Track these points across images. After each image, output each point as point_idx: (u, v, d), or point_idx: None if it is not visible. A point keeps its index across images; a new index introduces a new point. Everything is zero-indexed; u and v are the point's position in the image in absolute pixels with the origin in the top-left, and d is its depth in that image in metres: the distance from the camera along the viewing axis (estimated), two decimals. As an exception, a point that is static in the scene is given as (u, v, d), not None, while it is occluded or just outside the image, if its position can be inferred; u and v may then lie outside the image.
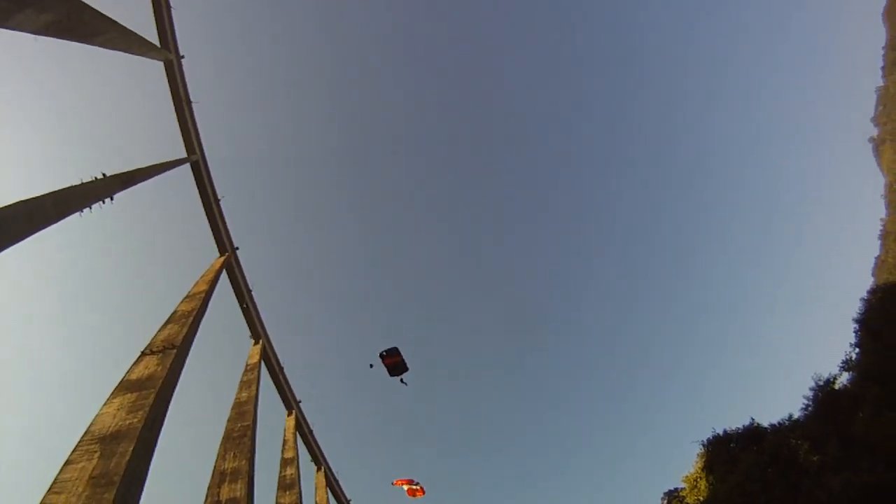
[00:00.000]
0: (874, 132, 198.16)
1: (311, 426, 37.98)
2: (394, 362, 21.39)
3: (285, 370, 35.90)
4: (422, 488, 23.19)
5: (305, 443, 36.53)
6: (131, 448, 11.72)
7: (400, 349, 21.34)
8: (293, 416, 34.88)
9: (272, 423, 34.54)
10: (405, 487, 22.85)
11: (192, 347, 19.15)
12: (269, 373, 34.21)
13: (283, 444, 31.04)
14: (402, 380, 21.62)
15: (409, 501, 22.75)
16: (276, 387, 35.12)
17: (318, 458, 37.13)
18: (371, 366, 21.25)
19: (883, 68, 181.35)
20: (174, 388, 15.94)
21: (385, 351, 21.22)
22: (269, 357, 33.56)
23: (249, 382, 26.90)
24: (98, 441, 11.78)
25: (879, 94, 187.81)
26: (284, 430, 33.40)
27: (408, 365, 21.48)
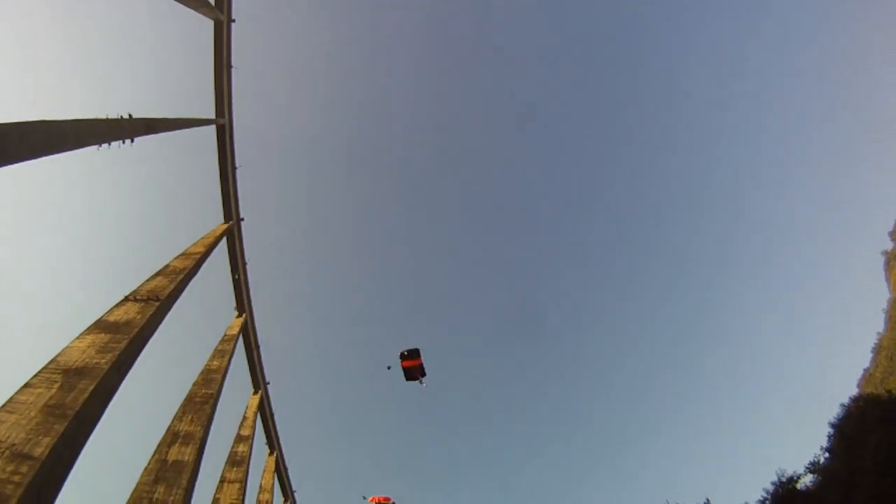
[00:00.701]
0: (889, 246, 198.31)
1: (273, 410, 37.76)
2: (412, 365, 20.79)
3: (261, 349, 35.82)
4: None
5: (264, 425, 36.25)
6: (92, 387, 11.65)
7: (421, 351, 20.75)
8: (258, 396, 34.68)
9: (234, 401, 34.36)
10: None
11: (175, 307, 19.16)
12: (245, 349, 34.04)
13: (242, 421, 30.80)
14: (420, 380, 20.99)
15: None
16: (249, 364, 34.93)
17: (273, 442, 36.82)
18: (389, 367, 20.86)
19: None
20: (148, 339, 15.89)
21: (406, 351, 20.73)
22: (248, 333, 33.43)
23: (223, 353, 26.77)
24: (62, 372, 11.73)
25: None
26: (246, 407, 33.17)
27: (426, 370, 20.80)
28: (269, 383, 37.12)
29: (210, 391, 22.45)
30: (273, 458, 36.29)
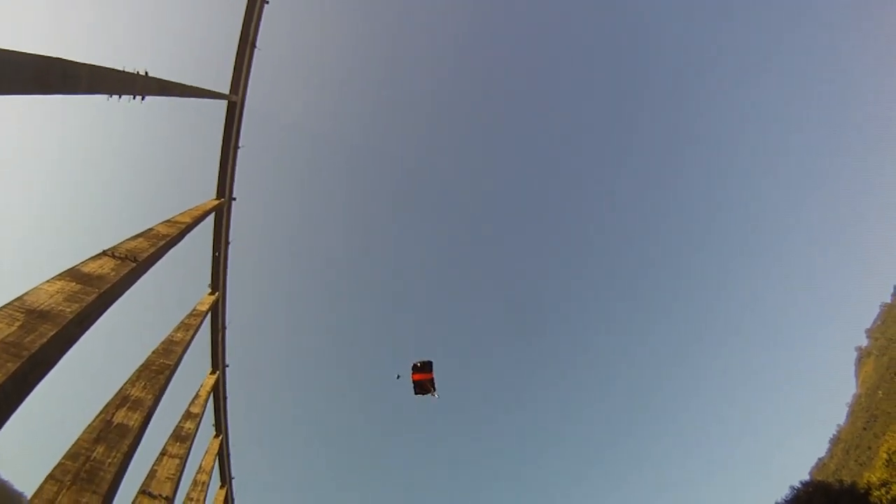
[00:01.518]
0: (864, 343, 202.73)
1: (227, 393, 37.31)
2: (422, 379, 20.13)
3: (227, 331, 35.49)
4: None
5: (215, 407, 35.75)
6: (52, 332, 11.57)
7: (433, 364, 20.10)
8: (215, 377, 34.26)
9: (188, 378, 33.88)
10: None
11: (150, 273, 19.04)
12: (211, 328, 33.69)
13: (194, 399, 30.37)
14: (432, 393, 20.25)
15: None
16: (212, 344, 34.55)
17: (221, 425, 36.26)
18: (398, 377, 20.29)
19: None
20: (117, 298, 15.77)
21: (419, 363, 20.08)
22: (217, 312, 33.14)
23: (189, 326, 26.49)
24: (25, 312, 11.63)
25: (883, 310, 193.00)
26: (201, 385, 32.74)
27: (436, 385, 19.97)
28: (227, 366, 36.76)
29: (168, 362, 22.18)
30: (218, 441, 35.76)
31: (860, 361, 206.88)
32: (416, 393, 20.27)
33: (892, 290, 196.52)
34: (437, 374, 20.03)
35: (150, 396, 19.36)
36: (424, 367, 20.07)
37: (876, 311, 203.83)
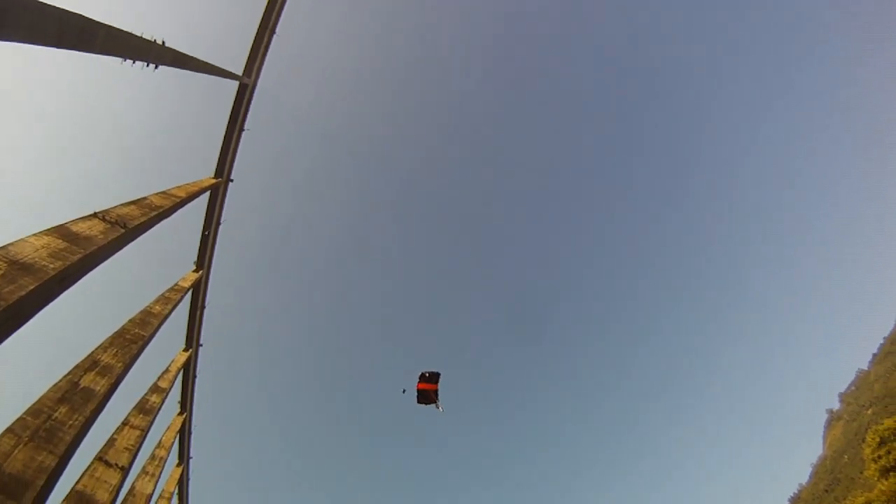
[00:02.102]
0: (836, 406, 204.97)
1: (197, 372, 37.06)
2: (427, 389, 19.98)
3: (205, 311, 35.35)
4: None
5: (183, 384, 35.50)
6: (32, 287, 11.59)
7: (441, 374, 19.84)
8: (187, 354, 34.06)
9: (162, 354, 33.69)
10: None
11: (137, 242, 19.05)
12: (191, 305, 33.57)
13: (163, 373, 30.17)
14: (437, 405, 20.01)
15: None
16: (188, 321, 34.37)
17: (186, 404, 36.00)
18: (404, 391, 19.94)
19: (874, 356, 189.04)
20: (101, 262, 15.77)
21: (427, 373, 20.00)
22: (198, 290, 33.03)
23: (169, 300, 26.41)
24: (7, 262, 11.64)
25: (858, 376, 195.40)
26: (172, 361, 32.53)
27: (439, 395, 19.76)
28: (201, 345, 36.56)
29: (143, 333, 22.11)
30: (181, 418, 35.51)
31: (830, 424, 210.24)
32: (418, 402, 20.14)
33: (869, 358, 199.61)
34: (442, 382, 19.99)
35: (120, 364, 19.29)
36: (431, 378, 19.94)
37: (852, 376, 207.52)
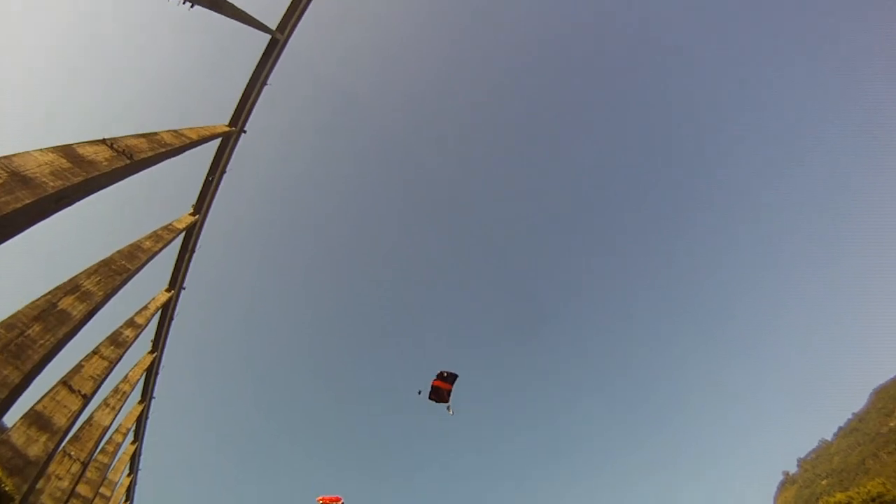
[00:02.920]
0: (793, 470, 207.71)
1: (176, 314, 36.96)
2: (440, 387, 20.31)
3: (195, 255, 35.19)
4: None
5: (159, 324, 35.45)
6: (28, 201, 11.47)
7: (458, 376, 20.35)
8: (169, 295, 33.94)
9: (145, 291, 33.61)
10: None
11: (141, 176, 18.88)
12: (181, 246, 33.42)
13: (141, 310, 30.06)
14: (448, 407, 20.45)
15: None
16: (176, 262, 34.19)
17: (158, 343, 35.94)
18: (419, 392, 20.30)
19: (840, 429, 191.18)
20: (102, 188, 15.62)
21: (446, 372, 20.29)
22: (191, 234, 32.85)
23: (160, 238, 26.28)
24: (9, 173, 11.50)
25: (821, 446, 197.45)
26: (152, 299, 32.42)
27: (451, 397, 20.24)
28: (184, 288, 36.42)
29: (129, 266, 21.98)
30: (151, 357, 35.42)
31: (783, 486, 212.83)
32: (430, 398, 20.30)
33: (835, 430, 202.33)
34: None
35: (101, 293, 19.17)
36: (448, 378, 20.19)
37: (815, 444, 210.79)
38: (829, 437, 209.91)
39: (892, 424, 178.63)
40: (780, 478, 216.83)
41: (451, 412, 20.33)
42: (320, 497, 21.29)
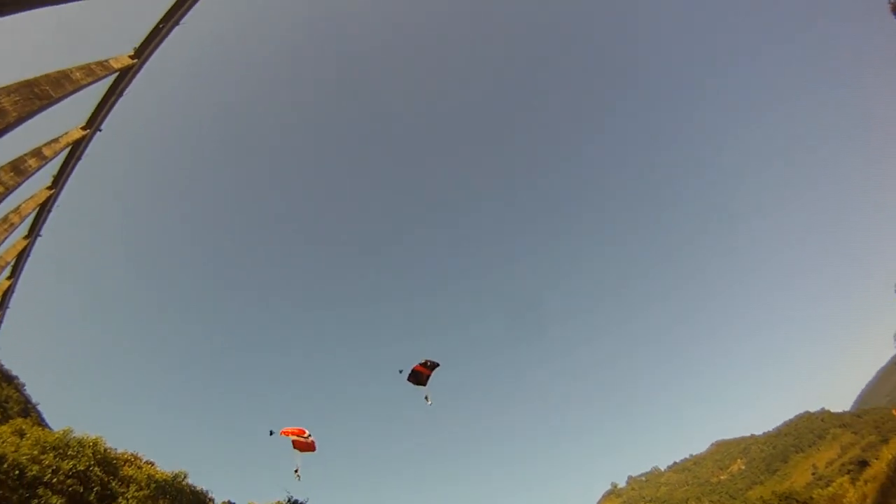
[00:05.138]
0: (621, 484, 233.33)
1: (85, 154, 33.99)
2: (420, 371, 21.25)
3: (124, 97, 32.24)
4: (313, 442, 21.19)
5: (66, 162, 32.51)
6: None
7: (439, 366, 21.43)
8: (83, 133, 31.02)
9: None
10: (292, 439, 20.63)
11: None
12: (111, 86, 30.43)
13: (51, 142, 27.50)
14: (426, 398, 21.39)
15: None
16: (101, 100, 31.17)
17: (60, 181, 33.08)
18: (400, 371, 21.31)
19: (675, 464, 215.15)
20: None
21: (430, 362, 21.23)
22: (126, 75, 29.93)
23: (92, 72, 23.96)
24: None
25: (653, 472, 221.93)
26: (64, 133, 29.63)
27: (428, 382, 21.25)
28: (101, 130, 33.48)
29: (53, 93, 19.96)
30: (47, 193, 32.72)
31: (608, 494, 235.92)
32: (408, 379, 21.29)
33: (671, 463, 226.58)
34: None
35: (15, 114, 17.40)
36: (431, 367, 21.18)
37: (648, 468, 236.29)
38: (662, 467, 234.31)
39: (723, 478, 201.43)
40: (608, 487, 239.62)
41: (429, 402, 21.66)
42: (283, 430, 20.99)
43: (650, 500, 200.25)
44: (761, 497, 67.30)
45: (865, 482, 30.70)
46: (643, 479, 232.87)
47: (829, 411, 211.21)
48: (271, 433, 20.29)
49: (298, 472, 21.21)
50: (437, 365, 21.54)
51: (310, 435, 21.41)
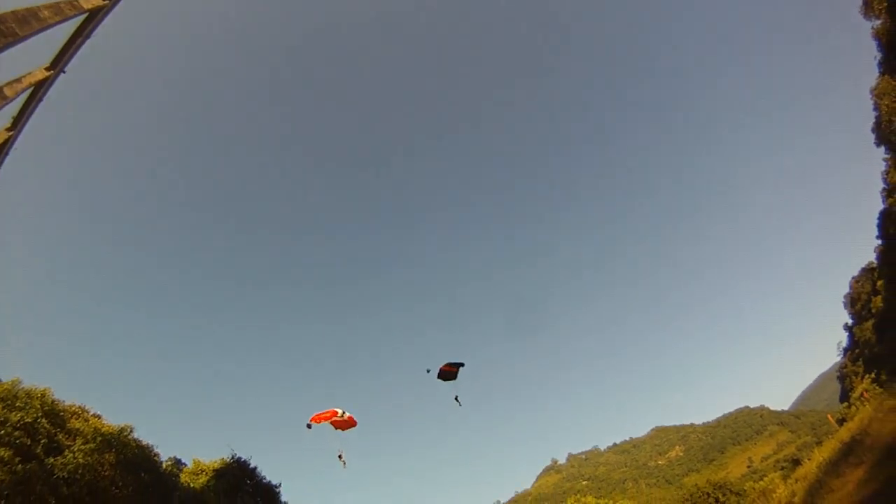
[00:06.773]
0: (562, 461, 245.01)
1: (45, 97, 32.54)
2: (448, 370, 22.58)
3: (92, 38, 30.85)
4: (351, 417, 20.62)
5: (27, 103, 31.01)
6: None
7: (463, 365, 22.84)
8: (46, 74, 29.53)
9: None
10: (330, 422, 19.85)
11: None
12: (77, 28, 29.01)
13: (12, 81, 26.29)
14: (456, 398, 23.11)
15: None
16: (67, 41, 29.78)
17: (18, 122, 31.55)
18: (428, 371, 22.33)
19: (615, 444, 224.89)
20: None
21: (454, 363, 22.54)
22: (96, 16, 28.50)
23: (61, 11, 23.16)
24: None
25: (592, 451, 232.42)
26: (27, 73, 28.25)
27: (456, 377, 22.61)
28: (64, 72, 32.08)
29: (19, 31, 19.28)
30: (6, 134, 31.39)
31: (548, 469, 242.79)
32: (438, 377, 22.80)
33: (610, 444, 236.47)
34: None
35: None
36: (456, 364, 22.70)
37: (588, 447, 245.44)
38: (602, 447, 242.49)
39: (660, 462, 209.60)
40: (549, 462, 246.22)
41: (459, 404, 23.42)
42: (314, 417, 20.06)
43: (588, 478, 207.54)
44: (696, 484, 70.22)
45: (796, 480, 32.32)
46: (583, 457, 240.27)
47: (768, 408, 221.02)
48: (309, 426, 19.75)
49: (343, 457, 20.57)
50: (462, 364, 22.90)
51: (344, 412, 20.78)
